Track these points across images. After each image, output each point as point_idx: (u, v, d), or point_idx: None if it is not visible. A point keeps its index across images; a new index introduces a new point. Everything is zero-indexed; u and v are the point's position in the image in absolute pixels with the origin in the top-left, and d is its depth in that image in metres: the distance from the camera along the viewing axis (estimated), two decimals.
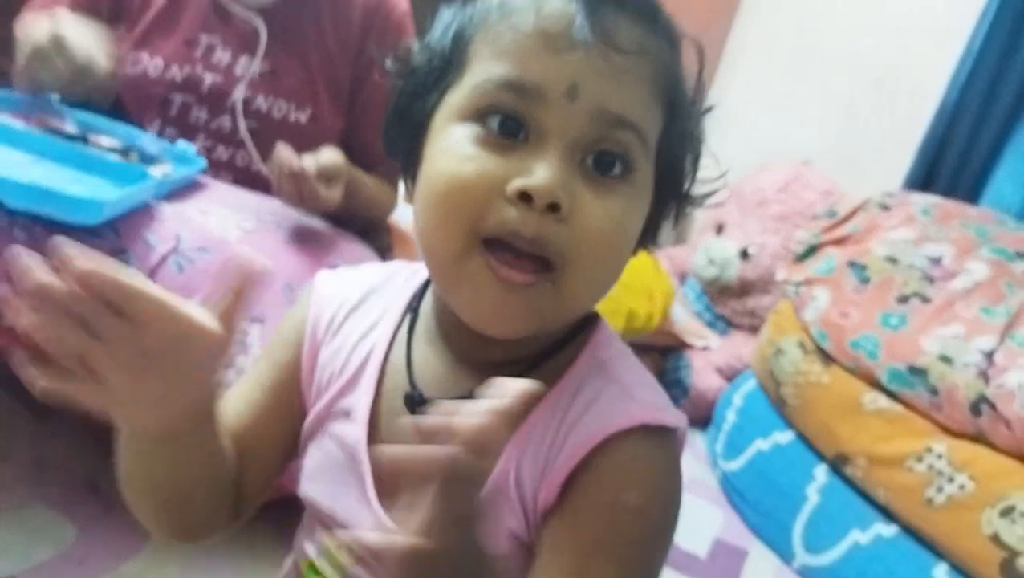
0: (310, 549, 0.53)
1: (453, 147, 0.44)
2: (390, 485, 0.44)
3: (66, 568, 0.85)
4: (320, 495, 0.51)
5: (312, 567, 0.53)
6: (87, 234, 0.81)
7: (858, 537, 1.14)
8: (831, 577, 1.15)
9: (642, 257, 1.73)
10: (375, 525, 0.47)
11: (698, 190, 0.51)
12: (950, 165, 1.40)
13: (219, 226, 0.95)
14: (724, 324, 1.73)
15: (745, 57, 1.98)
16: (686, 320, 1.66)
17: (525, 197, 0.41)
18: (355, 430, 0.49)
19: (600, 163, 0.43)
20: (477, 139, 0.43)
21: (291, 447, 0.54)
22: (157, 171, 0.98)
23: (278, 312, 0.92)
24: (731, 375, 1.58)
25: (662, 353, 1.63)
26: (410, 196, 0.49)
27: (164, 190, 0.94)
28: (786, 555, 1.23)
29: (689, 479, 1.40)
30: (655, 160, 0.46)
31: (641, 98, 0.44)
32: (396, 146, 0.50)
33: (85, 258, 0.36)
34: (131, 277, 0.37)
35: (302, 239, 1.05)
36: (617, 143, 0.43)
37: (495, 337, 0.45)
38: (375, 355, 0.52)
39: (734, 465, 1.38)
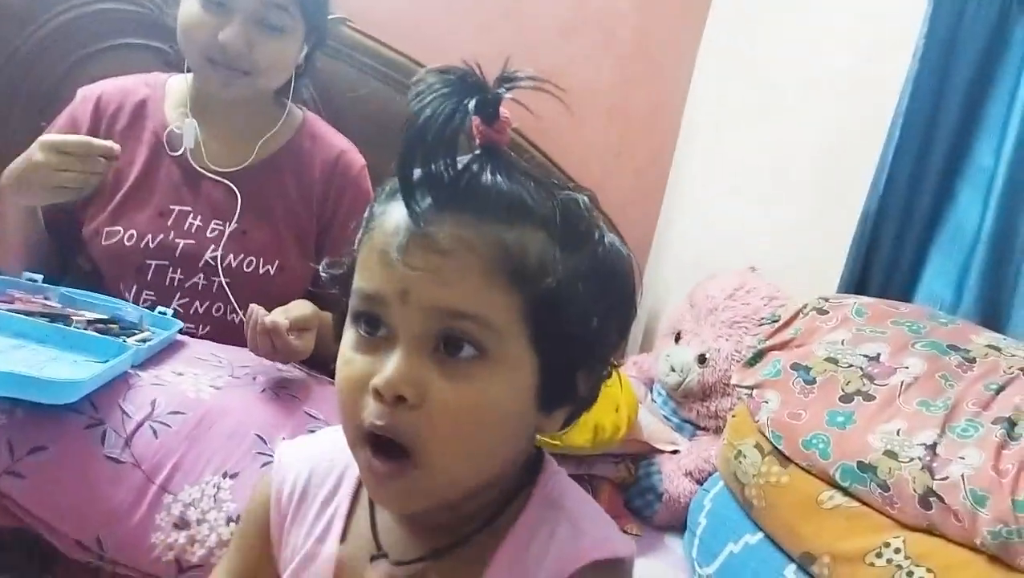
0: None
1: (342, 351, 0.52)
2: None
3: None
4: None
5: None
6: (65, 410, 0.88)
7: None
8: None
9: None
10: None
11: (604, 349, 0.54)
12: (881, 268, 1.50)
13: (192, 387, 1.01)
14: (691, 427, 1.78)
15: (690, 180, 2.12)
16: (654, 426, 1.71)
17: (377, 393, 0.48)
18: None
19: (449, 348, 0.48)
20: (354, 343, 0.51)
21: None
22: (136, 339, 1.05)
23: (251, 466, 0.97)
24: (701, 478, 1.62)
25: (633, 461, 1.67)
26: None
27: (141, 358, 1.01)
28: None
29: None
30: (532, 329, 0.50)
31: (473, 288, 0.48)
32: None
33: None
34: None
35: (276, 390, 1.11)
36: (460, 331, 0.48)
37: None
38: (337, 520, 0.58)
39: (710, 570, 1.40)
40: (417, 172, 0.48)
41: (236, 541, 0.65)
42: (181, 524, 0.89)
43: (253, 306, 1.07)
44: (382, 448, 0.49)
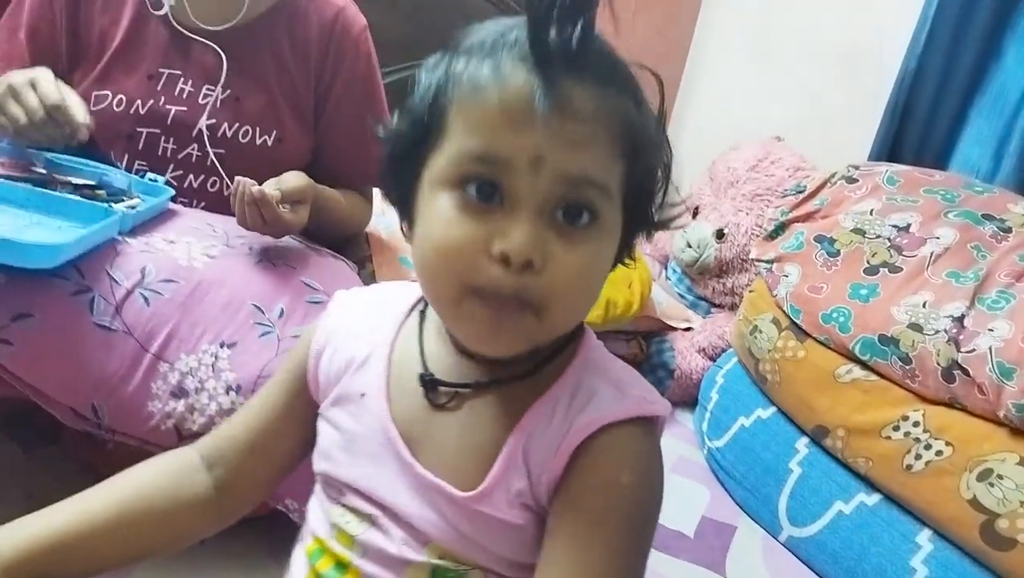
0: (320, 528, 0.59)
1: (440, 214, 0.51)
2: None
3: None
4: (339, 468, 0.58)
5: (320, 548, 0.58)
6: (50, 276, 0.83)
7: (841, 507, 1.16)
8: (817, 548, 1.17)
9: None
10: (413, 484, 0.54)
11: (664, 213, 0.57)
12: (916, 133, 1.40)
13: (185, 255, 0.96)
14: (706, 305, 1.74)
15: (714, 41, 1.98)
16: (668, 304, 1.67)
17: (504, 258, 0.48)
18: (375, 403, 0.57)
19: (568, 215, 0.50)
20: (459, 206, 0.50)
21: (301, 447, 0.63)
22: (124, 206, 1.00)
23: (249, 336, 0.94)
24: (714, 354, 1.59)
25: (645, 338, 1.64)
26: (407, 237, 0.57)
27: (128, 224, 0.96)
28: (773, 528, 1.25)
29: (677, 458, 1.43)
30: (622, 199, 0.53)
31: (601, 156, 0.50)
32: (391, 196, 0.58)
33: None
34: None
35: (273, 260, 1.06)
36: (582, 199, 0.50)
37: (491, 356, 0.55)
38: (382, 344, 0.60)
39: (719, 443, 1.39)
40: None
41: (281, 368, 0.66)
42: (179, 393, 0.87)
43: (239, 177, 1.01)
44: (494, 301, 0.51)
